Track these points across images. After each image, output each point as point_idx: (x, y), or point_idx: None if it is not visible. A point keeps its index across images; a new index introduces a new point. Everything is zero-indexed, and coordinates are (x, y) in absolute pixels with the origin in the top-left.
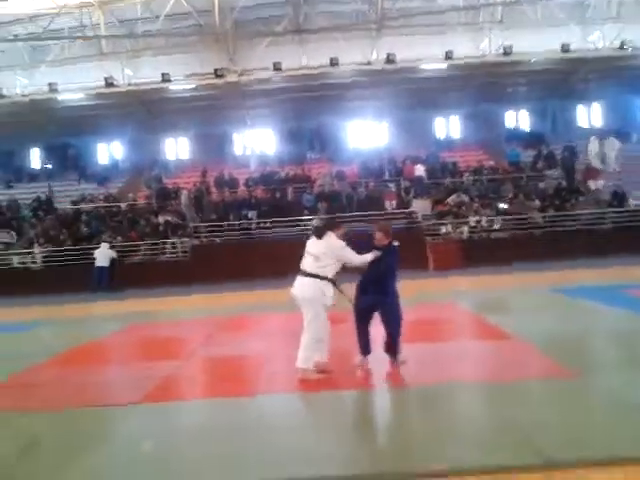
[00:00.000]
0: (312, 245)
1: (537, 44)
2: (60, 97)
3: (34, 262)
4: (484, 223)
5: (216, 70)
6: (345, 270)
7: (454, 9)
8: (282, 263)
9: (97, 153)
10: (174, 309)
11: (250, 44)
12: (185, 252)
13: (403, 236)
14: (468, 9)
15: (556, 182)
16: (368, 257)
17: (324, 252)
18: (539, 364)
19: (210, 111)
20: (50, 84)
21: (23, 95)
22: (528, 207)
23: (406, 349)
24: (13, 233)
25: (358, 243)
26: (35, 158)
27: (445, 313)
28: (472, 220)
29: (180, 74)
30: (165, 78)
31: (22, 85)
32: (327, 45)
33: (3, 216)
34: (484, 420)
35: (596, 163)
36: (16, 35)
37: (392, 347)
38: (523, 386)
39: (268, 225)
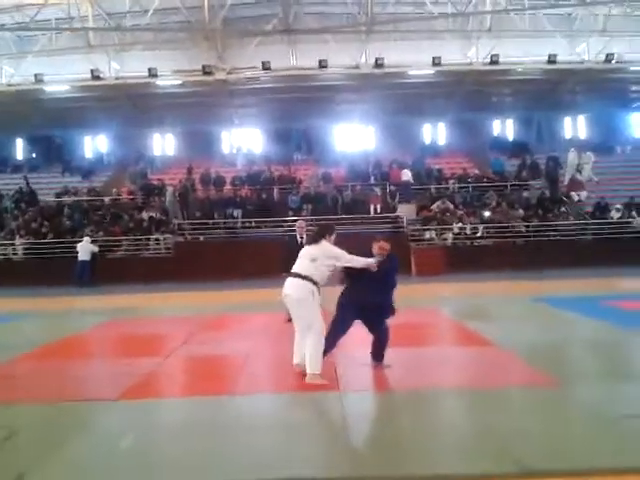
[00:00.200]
0: (307, 249)
1: (524, 54)
2: (46, 88)
3: (15, 253)
4: (468, 230)
5: (204, 67)
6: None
7: (443, 16)
8: (266, 263)
9: (82, 146)
10: (156, 306)
11: (239, 43)
12: (168, 249)
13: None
14: (457, 16)
15: (539, 192)
16: (370, 261)
17: (321, 254)
18: (520, 372)
19: (198, 108)
20: (36, 75)
21: (9, 85)
22: (511, 216)
23: (388, 353)
24: None
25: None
26: (19, 149)
27: (427, 319)
28: (456, 227)
29: (168, 70)
30: (152, 73)
31: (8, 75)
32: (316, 47)
33: None
34: (463, 427)
35: (573, 174)
36: (3, 24)
37: (381, 352)
38: (503, 394)
39: (253, 225)
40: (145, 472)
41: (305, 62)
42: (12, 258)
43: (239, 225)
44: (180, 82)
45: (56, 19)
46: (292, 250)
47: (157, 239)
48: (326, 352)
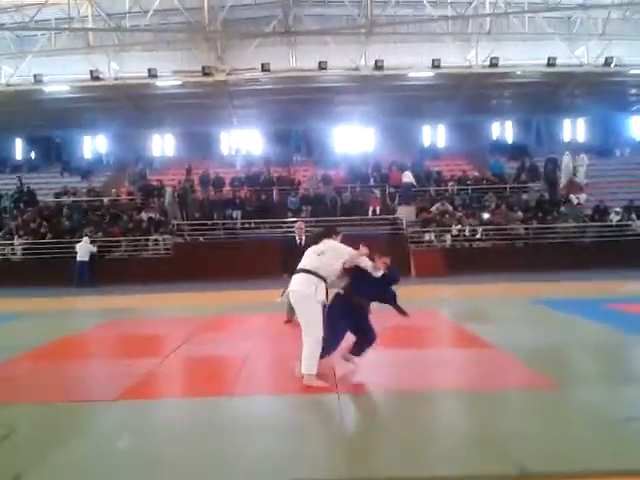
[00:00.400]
0: (313, 247)
1: (524, 57)
2: (45, 88)
3: (14, 254)
4: (467, 232)
5: (204, 68)
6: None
7: (443, 19)
8: (265, 264)
9: (81, 146)
10: (155, 306)
11: (239, 44)
12: (167, 250)
13: (387, 242)
14: (457, 19)
15: (538, 194)
16: (375, 265)
17: (328, 248)
18: (519, 374)
19: (197, 109)
20: (35, 75)
21: (8, 85)
22: (510, 218)
23: (386, 355)
24: None
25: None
26: (18, 149)
27: (426, 321)
28: (455, 229)
29: (167, 71)
30: (152, 74)
31: (7, 75)
32: (316, 49)
33: None
34: (462, 429)
35: (569, 177)
36: (2, 24)
37: (365, 349)
38: (502, 396)
39: (252, 226)
40: (144, 472)
41: (305, 64)
42: (11, 258)
43: (238, 226)
44: (180, 83)
45: (56, 19)
46: (291, 251)
47: (156, 240)
48: (322, 356)
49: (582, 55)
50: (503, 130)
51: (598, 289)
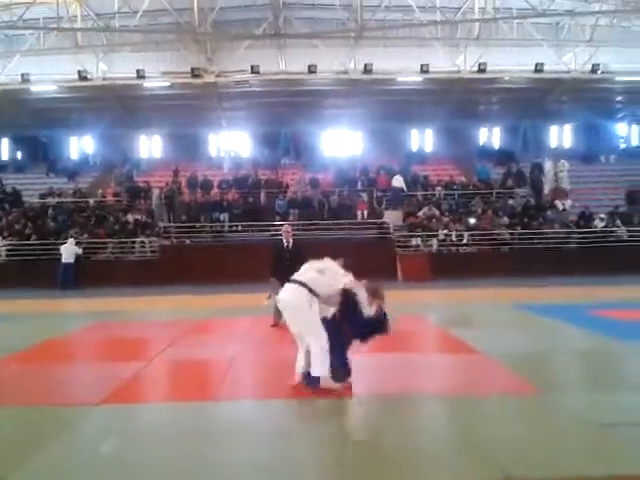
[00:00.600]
0: (313, 262)
1: (512, 62)
2: (33, 88)
3: None
4: (453, 237)
5: (193, 69)
6: None
7: (432, 23)
8: (252, 267)
9: (68, 147)
10: (141, 309)
11: (229, 46)
12: (154, 252)
13: (374, 246)
14: (445, 24)
15: (524, 200)
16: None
17: (328, 268)
18: (503, 380)
19: (185, 110)
20: (23, 74)
21: None
22: (496, 223)
23: (371, 359)
24: None
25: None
26: (4, 149)
27: (412, 326)
28: (442, 234)
29: (156, 72)
30: (140, 74)
31: None
32: (306, 52)
33: None
34: (446, 434)
35: (550, 182)
36: None
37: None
38: (487, 401)
39: (239, 228)
40: (126, 477)
41: (294, 67)
42: None
43: (226, 229)
44: (168, 84)
45: (44, 18)
46: (278, 255)
47: (142, 242)
48: (342, 376)
49: (569, 61)
50: (490, 135)
51: (583, 295)
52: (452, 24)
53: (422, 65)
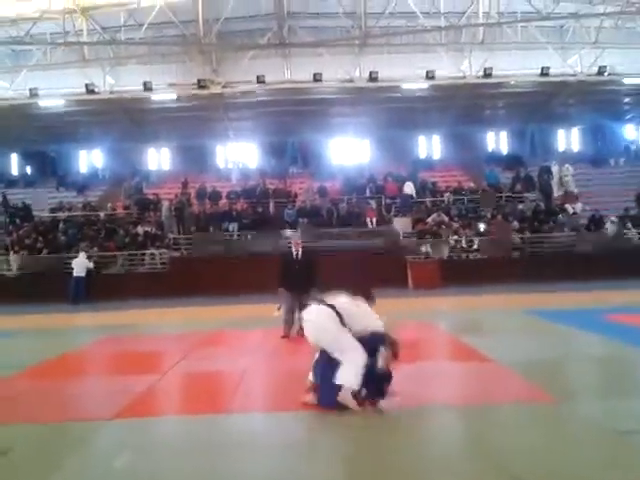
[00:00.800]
0: (350, 299)
1: (517, 66)
2: (41, 102)
3: (9, 269)
4: (463, 243)
5: (199, 81)
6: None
7: (436, 29)
8: (262, 277)
9: (77, 161)
10: (152, 322)
11: (234, 57)
12: (164, 264)
13: (384, 254)
14: (450, 29)
15: (534, 204)
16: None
17: (360, 304)
18: (517, 387)
19: (193, 122)
20: (31, 89)
21: (3, 99)
22: (507, 228)
23: None
24: None
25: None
26: (14, 164)
27: (424, 333)
28: (452, 240)
29: (163, 84)
30: (147, 87)
31: (3, 89)
32: (311, 60)
33: None
34: (459, 443)
35: (557, 186)
36: None
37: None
38: (500, 409)
39: (249, 239)
40: None
41: (299, 76)
42: (6, 274)
43: (235, 239)
44: (175, 96)
45: (51, 33)
46: (288, 265)
47: (152, 254)
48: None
49: (575, 64)
50: (498, 140)
51: (596, 299)
52: (456, 29)
53: (427, 71)
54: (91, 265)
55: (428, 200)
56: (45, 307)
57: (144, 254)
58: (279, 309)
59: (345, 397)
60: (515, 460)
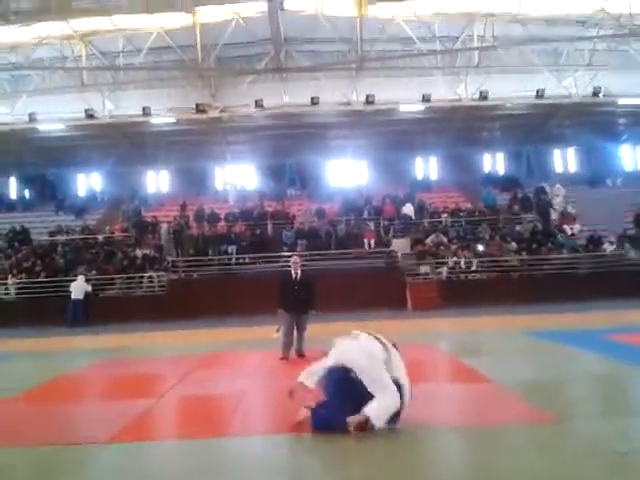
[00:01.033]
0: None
1: (513, 89)
2: (40, 127)
3: (7, 293)
4: (462, 264)
5: (198, 105)
6: None
7: (432, 53)
8: (260, 299)
9: (76, 184)
10: (150, 345)
11: (232, 81)
12: (162, 287)
13: (383, 275)
14: (445, 53)
15: (532, 225)
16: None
17: (392, 358)
18: (519, 409)
19: (191, 145)
20: (30, 114)
21: (3, 124)
22: (505, 249)
23: None
24: None
25: None
26: (13, 188)
27: (424, 355)
28: (451, 261)
29: (162, 108)
30: (146, 112)
31: (2, 114)
32: (308, 84)
33: None
34: (460, 466)
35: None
36: None
37: None
38: (502, 431)
39: (247, 261)
40: None
41: (297, 99)
42: (4, 299)
43: (233, 261)
44: (174, 120)
45: (50, 58)
46: (286, 286)
47: (151, 277)
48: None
49: (570, 86)
50: (494, 162)
51: (596, 320)
52: (452, 53)
53: (424, 95)
54: (89, 288)
55: (426, 221)
56: (43, 330)
57: (142, 277)
58: (278, 331)
59: (354, 421)
60: None
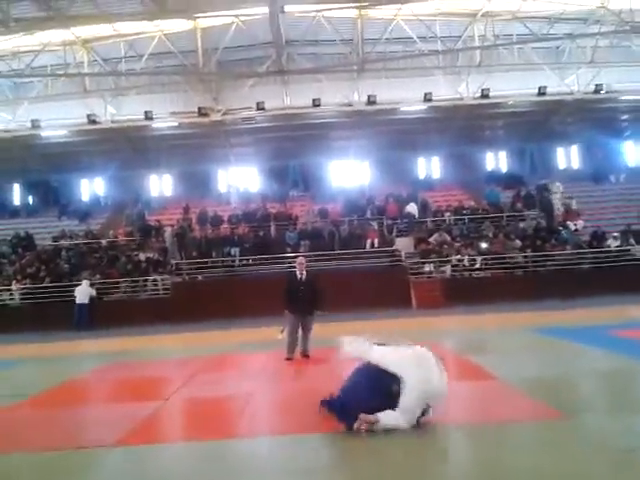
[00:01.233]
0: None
1: (514, 87)
2: (43, 133)
3: (12, 299)
4: (466, 262)
5: (200, 109)
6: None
7: (433, 53)
8: (265, 300)
9: (79, 189)
10: (155, 348)
11: (234, 85)
12: (167, 289)
13: (387, 274)
14: (447, 52)
15: (535, 222)
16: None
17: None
18: (524, 405)
19: (194, 149)
20: (33, 120)
21: (6, 131)
22: (509, 247)
23: None
24: None
25: None
26: (16, 194)
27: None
28: (454, 259)
29: (164, 112)
30: (148, 116)
31: (5, 121)
32: (309, 86)
33: None
34: (468, 464)
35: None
36: None
37: None
38: (508, 428)
39: (251, 262)
40: None
41: (299, 101)
42: (9, 304)
43: (237, 263)
44: (176, 124)
45: (52, 65)
46: (292, 287)
47: (155, 280)
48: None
49: (572, 83)
50: (497, 159)
51: (601, 316)
52: (453, 52)
53: (425, 94)
54: (94, 292)
55: (429, 220)
56: (49, 335)
57: (146, 280)
58: (282, 331)
59: (365, 419)
60: (519, 479)
